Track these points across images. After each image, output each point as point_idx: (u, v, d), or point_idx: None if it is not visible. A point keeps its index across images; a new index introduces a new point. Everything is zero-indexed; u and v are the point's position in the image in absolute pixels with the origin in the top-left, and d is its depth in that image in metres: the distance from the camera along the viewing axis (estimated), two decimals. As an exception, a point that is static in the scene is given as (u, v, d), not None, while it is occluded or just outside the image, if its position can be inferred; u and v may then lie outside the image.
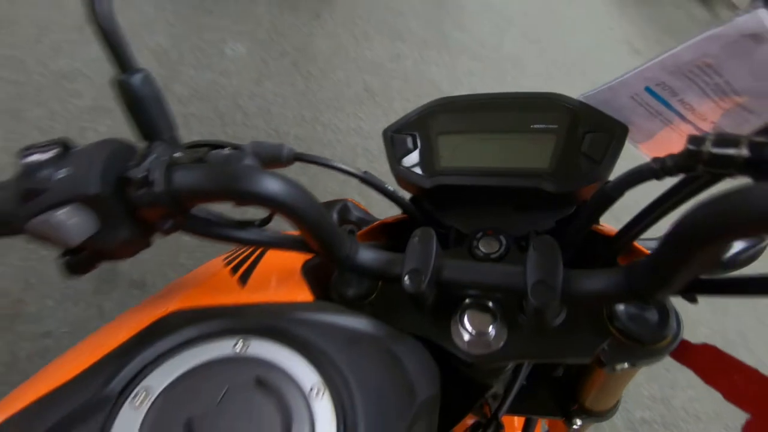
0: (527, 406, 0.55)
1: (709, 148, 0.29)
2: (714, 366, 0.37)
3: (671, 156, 0.33)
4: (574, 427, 0.54)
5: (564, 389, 0.54)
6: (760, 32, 0.32)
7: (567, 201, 0.43)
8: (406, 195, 0.50)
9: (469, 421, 0.54)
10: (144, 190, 0.31)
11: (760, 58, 0.31)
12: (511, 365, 0.45)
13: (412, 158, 0.46)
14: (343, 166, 0.44)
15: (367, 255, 0.39)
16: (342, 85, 2.23)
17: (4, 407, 0.28)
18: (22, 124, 1.57)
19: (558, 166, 0.41)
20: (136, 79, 0.34)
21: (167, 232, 0.34)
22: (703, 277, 0.32)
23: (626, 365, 0.37)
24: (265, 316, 0.34)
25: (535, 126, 0.42)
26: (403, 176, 0.46)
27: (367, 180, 0.45)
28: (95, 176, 0.30)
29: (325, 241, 0.36)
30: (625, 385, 0.51)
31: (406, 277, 0.36)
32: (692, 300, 0.38)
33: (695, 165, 0.30)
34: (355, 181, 0.46)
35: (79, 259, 0.33)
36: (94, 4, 0.31)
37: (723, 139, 0.29)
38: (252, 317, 0.34)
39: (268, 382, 0.29)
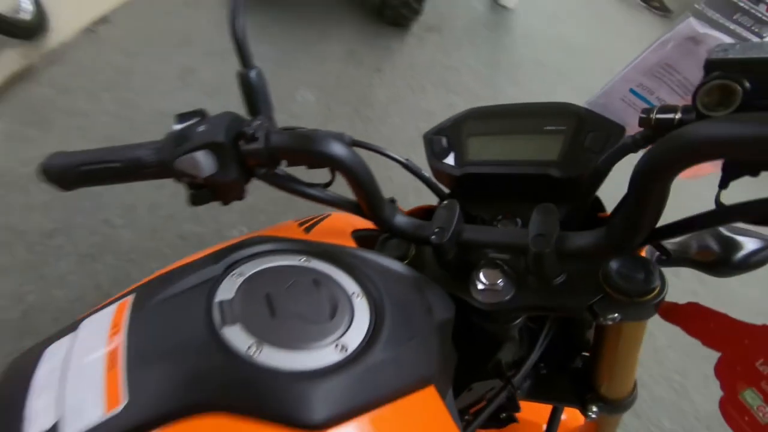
0: (545, 393, 0.58)
1: (654, 115, 0.37)
2: (695, 319, 0.41)
3: (640, 131, 0.40)
4: (591, 415, 0.55)
5: (582, 380, 0.56)
6: (694, 36, 0.40)
7: (572, 186, 0.48)
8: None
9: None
10: (251, 144, 0.44)
11: (702, 55, 0.36)
12: (520, 320, 0.50)
13: (446, 154, 0.54)
14: (392, 154, 0.54)
15: (403, 219, 0.50)
16: (397, 129, 2.45)
17: (145, 281, 0.41)
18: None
19: (564, 157, 0.47)
20: (252, 73, 0.48)
21: (261, 178, 0.48)
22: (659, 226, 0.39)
23: (617, 316, 0.40)
24: (322, 247, 0.43)
25: (547, 128, 0.49)
26: (437, 168, 0.54)
27: (409, 167, 0.55)
28: (221, 130, 0.44)
29: (372, 203, 0.47)
30: (635, 367, 0.53)
31: (434, 234, 0.44)
32: (665, 252, 0.46)
33: (653, 133, 0.38)
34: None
35: (200, 194, 0.47)
36: (234, 18, 0.46)
37: (664, 108, 0.37)
38: (313, 246, 0.43)
39: (321, 283, 0.38)
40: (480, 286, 0.44)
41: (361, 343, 0.34)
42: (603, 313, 0.40)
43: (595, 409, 0.55)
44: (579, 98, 0.51)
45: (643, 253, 0.47)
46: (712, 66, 0.32)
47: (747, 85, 0.31)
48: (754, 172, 0.32)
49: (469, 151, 0.53)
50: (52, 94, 1.99)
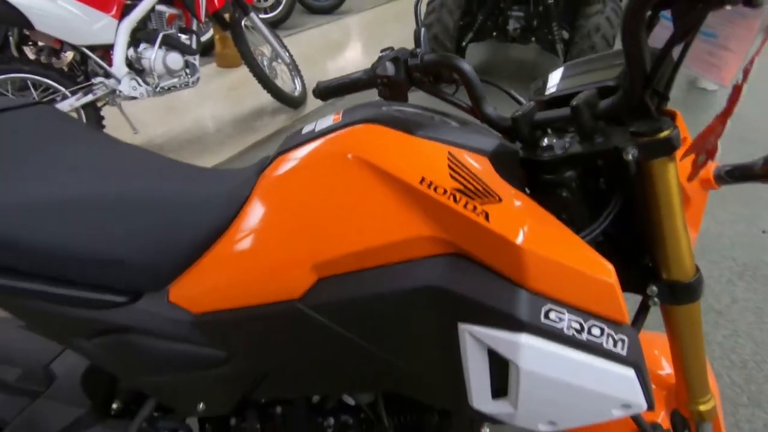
0: None
1: None
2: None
3: None
4: (654, 299, 0.57)
5: (643, 269, 0.59)
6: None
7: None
8: None
9: None
10: (412, 60, 0.66)
11: None
12: (574, 173, 0.57)
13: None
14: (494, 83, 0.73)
15: (496, 114, 0.63)
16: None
17: None
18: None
19: (619, 76, 0.56)
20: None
21: (416, 85, 0.69)
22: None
23: (636, 152, 0.51)
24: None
25: (615, 62, 0.59)
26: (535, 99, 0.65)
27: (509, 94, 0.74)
28: (400, 53, 0.68)
29: (479, 104, 0.63)
30: (684, 241, 0.55)
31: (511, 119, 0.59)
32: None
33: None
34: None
35: (385, 91, 0.70)
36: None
37: None
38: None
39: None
40: (542, 144, 0.58)
41: None
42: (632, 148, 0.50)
43: (654, 288, 0.57)
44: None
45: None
46: None
47: None
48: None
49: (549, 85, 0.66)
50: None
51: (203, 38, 3.76)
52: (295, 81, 3.25)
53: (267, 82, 2.93)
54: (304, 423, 0.73)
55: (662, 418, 0.74)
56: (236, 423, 0.74)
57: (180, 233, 0.58)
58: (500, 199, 0.50)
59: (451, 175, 0.51)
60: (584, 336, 0.48)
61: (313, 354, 0.58)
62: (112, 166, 0.63)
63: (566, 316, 0.48)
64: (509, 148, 0.58)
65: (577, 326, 0.48)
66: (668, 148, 0.50)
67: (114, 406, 0.79)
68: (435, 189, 0.50)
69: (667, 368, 0.80)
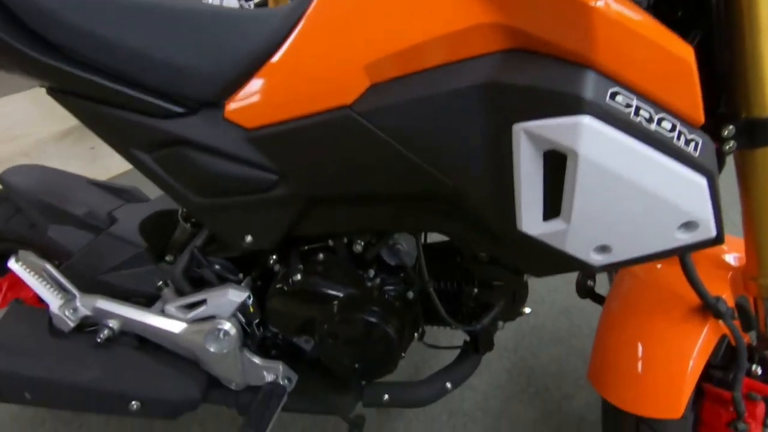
0: None
1: None
2: None
3: None
4: (728, 138, 0.52)
5: (718, 117, 0.54)
6: None
7: None
8: None
9: None
10: None
11: None
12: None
13: None
14: None
15: None
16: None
17: None
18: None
19: None
20: None
21: None
22: None
23: None
24: None
25: None
26: None
27: None
28: None
29: None
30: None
31: None
32: None
33: None
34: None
35: None
36: None
37: None
38: None
39: None
40: None
41: None
42: None
43: (732, 128, 0.52)
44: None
45: None
46: None
47: None
48: None
49: None
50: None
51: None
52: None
53: None
54: (345, 272, 0.74)
55: (726, 298, 0.69)
56: (279, 270, 0.75)
57: (240, 44, 0.59)
58: None
59: None
60: (653, 126, 0.45)
61: (361, 173, 0.58)
62: None
63: (635, 101, 0.45)
64: None
65: (647, 115, 0.45)
66: None
67: (167, 258, 0.84)
68: None
69: (730, 259, 0.74)
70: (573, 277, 1.35)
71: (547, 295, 1.40)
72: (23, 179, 0.85)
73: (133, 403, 0.73)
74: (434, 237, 0.78)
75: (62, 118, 2.55)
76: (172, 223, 0.85)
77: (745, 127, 0.52)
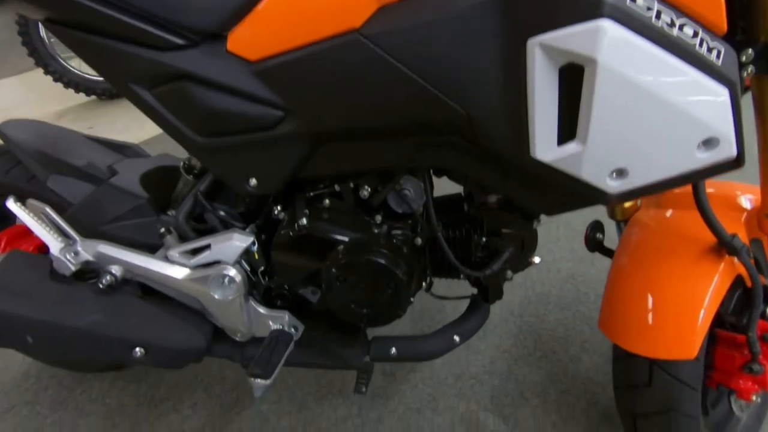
0: None
1: None
2: None
3: None
4: (747, 62, 0.50)
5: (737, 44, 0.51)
6: None
7: None
8: None
9: None
10: None
11: None
12: None
13: None
14: None
15: None
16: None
17: None
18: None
19: None
20: None
21: None
22: None
23: None
24: None
25: None
26: None
27: None
28: None
29: None
30: None
31: None
32: None
33: None
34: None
35: None
36: None
37: None
38: None
39: None
40: None
41: None
42: None
43: (751, 52, 0.50)
44: None
45: None
46: None
47: None
48: None
49: None
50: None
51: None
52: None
53: None
54: (352, 217, 0.72)
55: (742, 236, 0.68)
56: (284, 216, 0.74)
57: None
58: None
59: None
60: (675, 32, 0.43)
61: (371, 104, 0.56)
62: None
63: (656, 5, 0.43)
64: None
65: (668, 19, 0.43)
66: None
67: (169, 212, 0.82)
68: None
69: (744, 201, 0.73)
70: (579, 245, 1.33)
71: (553, 264, 1.39)
72: (22, 132, 0.83)
73: (137, 349, 0.71)
74: (440, 191, 0.76)
75: (59, 99, 2.52)
76: (174, 178, 0.83)
77: (764, 50, 0.50)
